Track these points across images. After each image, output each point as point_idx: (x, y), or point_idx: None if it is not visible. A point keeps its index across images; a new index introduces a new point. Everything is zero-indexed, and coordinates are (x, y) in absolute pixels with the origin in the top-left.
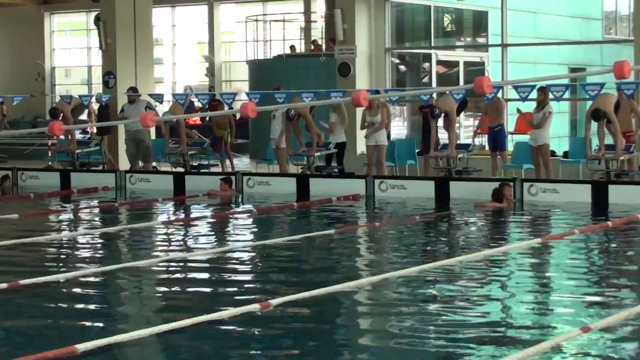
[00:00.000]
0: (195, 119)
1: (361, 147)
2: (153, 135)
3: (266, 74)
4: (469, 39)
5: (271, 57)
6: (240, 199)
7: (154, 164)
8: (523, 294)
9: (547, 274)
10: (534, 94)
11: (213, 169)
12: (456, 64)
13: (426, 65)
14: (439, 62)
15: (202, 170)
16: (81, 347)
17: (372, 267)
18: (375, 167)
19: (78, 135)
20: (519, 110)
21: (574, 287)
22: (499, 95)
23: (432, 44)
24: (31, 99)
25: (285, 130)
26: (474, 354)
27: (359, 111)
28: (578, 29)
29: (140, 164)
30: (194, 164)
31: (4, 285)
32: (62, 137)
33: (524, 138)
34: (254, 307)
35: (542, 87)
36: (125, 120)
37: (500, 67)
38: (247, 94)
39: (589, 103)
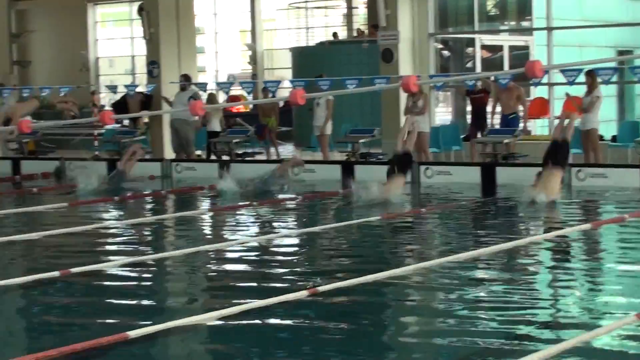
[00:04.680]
0: (240, 107)
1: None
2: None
3: (309, 61)
4: (513, 23)
5: (313, 44)
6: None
7: (198, 152)
8: (575, 280)
9: (598, 259)
10: (580, 78)
11: (257, 157)
12: (500, 48)
13: (470, 50)
14: (483, 47)
15: (246, 158)
16: (132, 333)
17: (420, 253)
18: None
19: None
20: (567, 95)
21: (627, 272)
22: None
23: (476, 29)
24: (76, 89)
25: (328, 117)
26: (526, 339)
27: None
28: (625, 10)
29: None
30: (239, 152)
31: (56, 273)
32: (110, 127)
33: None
34: (302, 294)
35: (589, 71)
36: (170, 109)
37: (546, 51)
38: (291, 81)
39: (638, 86)
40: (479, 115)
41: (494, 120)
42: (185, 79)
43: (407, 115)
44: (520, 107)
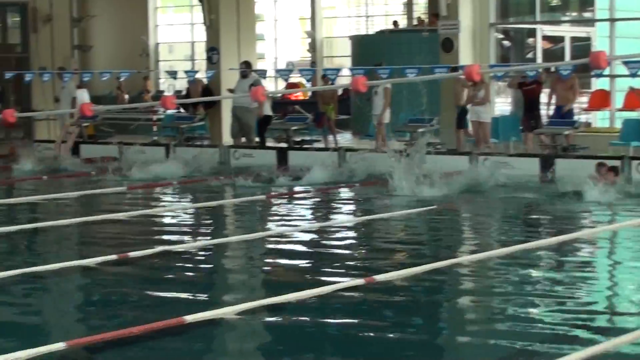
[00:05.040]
0: (298, 94)
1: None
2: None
3: (368, 49)
4: (575, 14)
5: (373, 32)
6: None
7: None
8: (630, 275)
9: None
10: None
11: (315, 145)
12: (562, 39)
13: (531, 40)
14: (544, 38)
15: (304, 146)
16: (189, 318)
17: (475, 243)
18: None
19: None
20: (631, 88)
21: None
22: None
23: (538, 19)
24: (135, 75)
25: (386, 105)
26: (578, 334)
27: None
28: None
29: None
30: (297, 139)
31: (113, 257)
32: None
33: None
34: (359, 281)
35: None
36: (232, 95)
37: (608, 42)
38: (350, 69)
39: None
40: (532, 106)
41: (550, 111)
42: (247, 66)
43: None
44: (579, 99)
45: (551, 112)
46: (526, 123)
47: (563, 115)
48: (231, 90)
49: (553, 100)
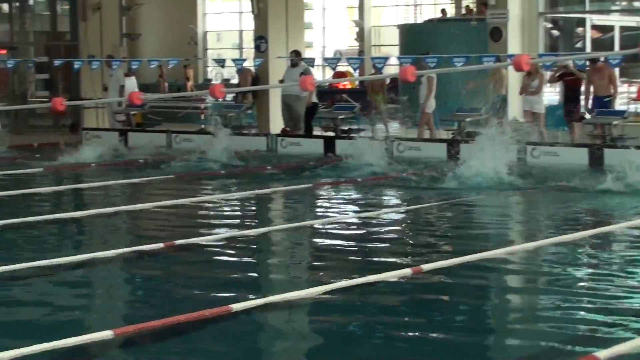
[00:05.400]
0: (345, 83)
1: (513, 113)
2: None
3: (416, 38)
4: (624, 3)
5: (421, 21)
6: None
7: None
8: None
9: None
10: None
11: (363, 134)
12: (611, 28)
13: (580, 30)
14: (594, 27)
15: (352, 135)
16: (236, 306)
17: (523, 233)
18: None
19: (228, 99)
20: None
21: None
22: None
23: (587, 8)
24: (184, 62)
25: (429, 95)
26: (627, 326)
27: (515, 78)
28: None
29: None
30: (344, 128)
31: (159, 245)
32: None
33: None
34: (406, 272)
35: None
36: (280, 84)
37: None
38: (398, 58)
39: None
40: (573, 97)
41: (588, 102)
42: (296, 55)
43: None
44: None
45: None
46: (568, 113)
47: (602, 105)
48: (281, 81)
49: (591, 90)
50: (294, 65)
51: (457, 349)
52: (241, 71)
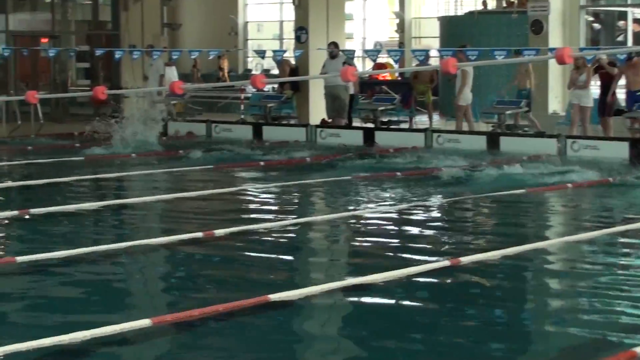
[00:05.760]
0: (385, 74)
1: (553, 106)
2: None
3: (457, 30)
4: None
5: (462, 13)
6: None
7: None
8: None
9: None
10: None
11: (402, 125)
12: None
13: (621, 23)
14: (635, 20)
15: (391, 127)
16: (273, 297)
17: (562, 227)
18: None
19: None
20: None
21: None
22: None
23: (629, 2)
24: (224, 53)
25: (462, 87)
26: None
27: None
28: None
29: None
30: (384, 119)
31: (199, 235)
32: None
33: None
34: (444, 263)
35: None
36: (321, 75)
37: None
38: (439, 50)
39: None
40: (607, 91)
41: (614, 96)
42: (335, 47)
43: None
44: None
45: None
46: (601, 107)
47: (635, 100)
48: (322, 72)
49: (622, 83)
50: (333, 56)
51: (496, 341)
52: (280, 62)
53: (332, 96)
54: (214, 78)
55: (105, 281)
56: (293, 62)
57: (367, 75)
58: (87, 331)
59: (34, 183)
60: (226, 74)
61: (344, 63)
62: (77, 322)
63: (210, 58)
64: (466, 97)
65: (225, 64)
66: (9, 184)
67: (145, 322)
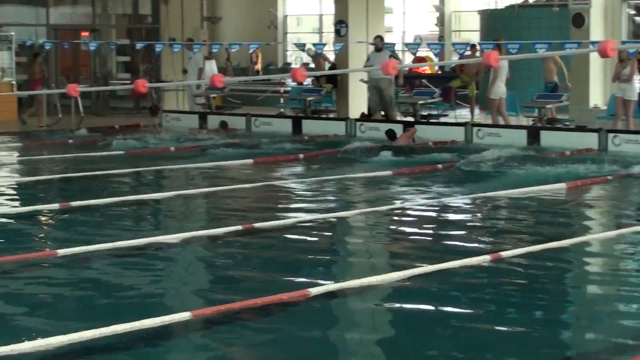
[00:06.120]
0: (425, 68)
1: (594, 100)
2: None
3: (497, 24)
4: None
5: (503, 7)
6: None
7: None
8: None
9: None
10: None
11: (442, 119)
12: None
13: None
14: None
15: (431, 120)
16: (313, 291)
17: (604, 222)
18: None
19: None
20: None
21: None
22: None
23: None
24: (264, 46)
25: (493, 81)
26: None
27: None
28: None
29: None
30: (424, 113)
31: (238, 228)
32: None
33: None
34: (484, 258)
35: None
36: (362, 68)
37: None
38: (480, 44)
39: None
40: None
41: None
42: (380, 40)
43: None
44: None
45: None
46: None
47: None
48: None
49: None
50: (378, 50)
51: (536, 336)
52: (318, 55)
53: (377, 90)
54: (246, 72)
55: (146, 274)
56: (330, 55)
57: (407, 68)
58: (128, 324)
59: (75, 176)
60: (259, 68)
61: (390, 56)
62: (118, 314)
63: (251, 52)
64: (498, 90)
65: (259, 58)
66: (51, 177)
67: (185, 315)
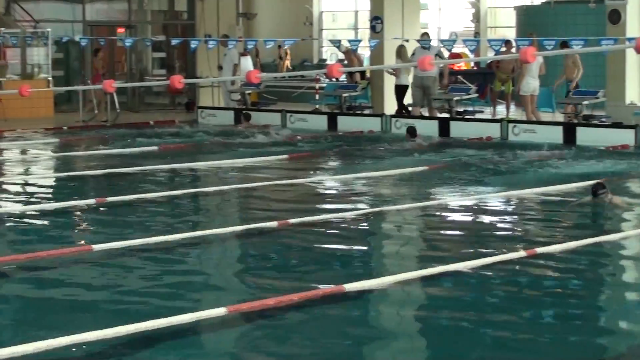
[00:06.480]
0: (461, 64)
1: (630, 96)
2: None
3: (533, 20)
4: None
5: (539, 3)
6: None
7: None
8: None
9: None
10: None
11: (478, 116)
12: None
13: None
14: None
15: (466, 117)
16: (349, 287)
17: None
18: None
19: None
20: None
21: None
22: None
23: None
24: (299, 42)
25: (521, 77)
26: None
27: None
28: None
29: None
30: (459, 110)
31: (274, 224)
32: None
33: None
34: (520, 254)
35: None
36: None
37: None
38: (516, 40)
39: None
40: None
41: None
42: (427, 37)
43: None
44: None
45: None
46: None
47: None
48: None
49: None
50: (425, 47)
51: (569, 332)
52: (354, 51)
53: (422, 87)
54: (274, 68)
55: (181, 269)
56: (361, 51)
57: (442, 65)
58: (164, 319)
59: (110, 172)
60: (288, 64)
61: (435, 55)
62: (154, 309)
63: (285, 47)
64: (527, 87)
65: (287, 54)
66: (87, 172)
67: (220, 311)
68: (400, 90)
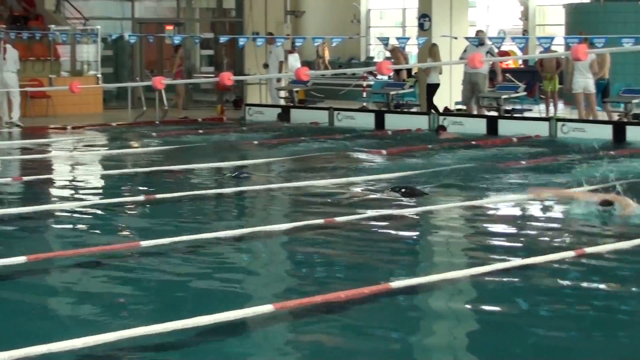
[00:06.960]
0: (509, 62)
1: None
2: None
3: (582, 17)
4: None
5: (588, 0)
6: None
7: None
8: None
9: None
10: None
11: (526, 114)
12: None
13: None
14: None
15: (514, 115)
16: (395, 284)
17: None
18: None
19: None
20: None
21: None
22: None
23: None
24: (347, 40)
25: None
26: None
27: None
28: None
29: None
30: (507, 108)
31: (320, 221)
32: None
33: None
34: (569, 254)
35: None
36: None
37: None
38: (565, 38)
39: None
40: None
41: None
42: (482, 35)
43: None
44: None
45: None
46: None
47: None
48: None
49: None
50: (478, 44)
51: (621, 335)
52: (400, 49)
53: (471, 83)
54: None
55: (228, 266)
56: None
57: (490, 62)
58: (210, 316)
59: (159, 169)
60: (327, 62)
61: (487, 53)
62: (200, 306)
63: (334, 45)
64: (577, 84)
65: (326, 52)
66: (136, 169)
67: (267, 308)
68: (431, 89)
